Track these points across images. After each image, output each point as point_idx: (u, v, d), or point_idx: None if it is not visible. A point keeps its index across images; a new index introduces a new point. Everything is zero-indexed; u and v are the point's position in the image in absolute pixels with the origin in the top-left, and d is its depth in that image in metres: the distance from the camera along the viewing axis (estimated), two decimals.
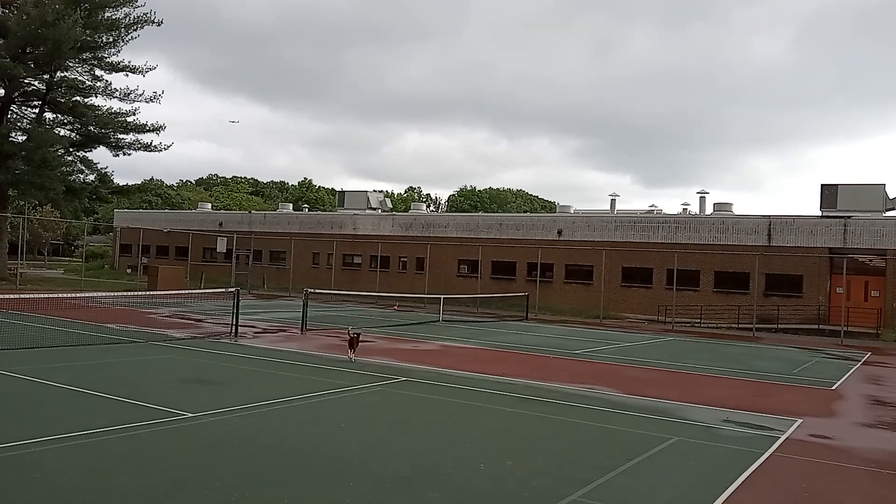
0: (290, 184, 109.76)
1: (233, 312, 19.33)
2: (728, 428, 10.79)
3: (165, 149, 44.79)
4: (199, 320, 23.17)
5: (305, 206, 70.44)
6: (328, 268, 45.62)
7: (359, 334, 16.33)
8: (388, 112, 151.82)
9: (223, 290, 22.15)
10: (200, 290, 23.64)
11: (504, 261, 41.70)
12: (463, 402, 11.71)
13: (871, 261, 34.58)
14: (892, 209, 34.65)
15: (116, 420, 9.02)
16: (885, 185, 34.97)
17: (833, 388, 15.73)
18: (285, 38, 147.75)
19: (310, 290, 23.87)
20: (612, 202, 45.93)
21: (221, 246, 44.49)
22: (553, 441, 9.39)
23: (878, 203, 34.53)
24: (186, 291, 24.92)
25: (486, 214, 50.82)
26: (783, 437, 10.20)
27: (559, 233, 40.86)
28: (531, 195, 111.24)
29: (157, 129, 44.16)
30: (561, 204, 48.76)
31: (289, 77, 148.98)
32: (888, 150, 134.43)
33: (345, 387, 12.35)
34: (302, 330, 20.82)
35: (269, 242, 49.91)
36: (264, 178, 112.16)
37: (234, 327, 19.10)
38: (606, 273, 37.64)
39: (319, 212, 64.77)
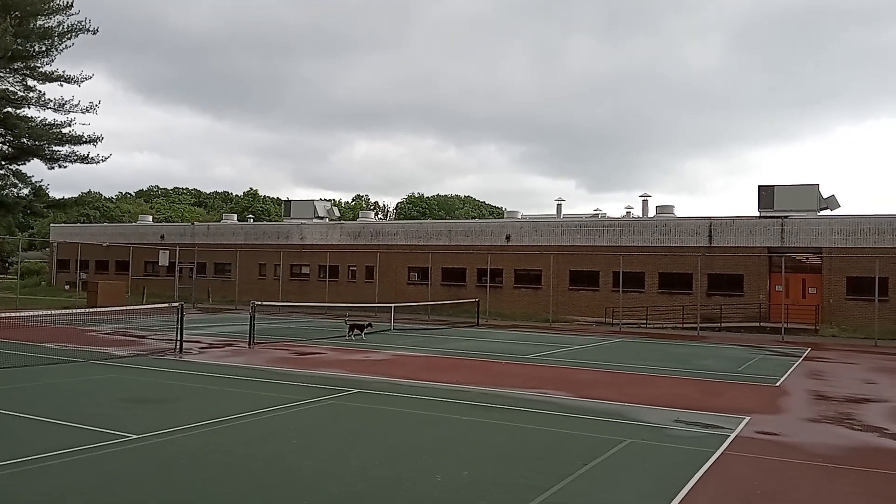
0: (234, 194, 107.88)
1: (177, 328, 18.81)
2: (679, 428, 10.94)
3: (103, 160, 43.49)
4: (142, 337, 22.51)
5: (251, 216, 69.30)
6: (275, 279, 44.92)
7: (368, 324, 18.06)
8: (335, 121, 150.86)
9: (166, 304, 21.51)
10: (143, 306, 22.95)
11: (454, 267, 41.75)
12: (417, 412, 11.61)
13: (807, 259, 35.76)
14: (826, 208, 35.91)
15: (54, 445, 8.63)
16: (819, 185, 36.24)
17: (777, 384, 16.14)
18: (230, 48, 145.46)
19: (257, 302, 23.44)
20: (559, 207, 46.46)
21: (163, 259, 43.37)
22: (508, 448, 9.36)
23: (813, 203, 35.75)
24: (128, 307, 24.14)
25: (435, 221, 50.82)
26: (732, 435, 10.38)
27: (507, 238, 41.12)
28: (479, 201, 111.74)
29: (93, 140, 42.84)
30: (508, 209, 49.10)
31: (234, 86, 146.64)
32: (822, 152, 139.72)
33: (296, 401, 12.11)
34: (249, 344, 20.40)
35: (213, 254, 48.89)
36: (208, 189, 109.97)
37: (178, 343, 18.59)
38: (554, 277, 38.03)
39: (265, 222, 63.81)
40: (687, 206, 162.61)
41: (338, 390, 13.32)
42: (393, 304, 29.17)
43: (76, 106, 42.48)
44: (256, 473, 7.82)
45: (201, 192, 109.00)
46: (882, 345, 27.94)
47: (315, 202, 50.68)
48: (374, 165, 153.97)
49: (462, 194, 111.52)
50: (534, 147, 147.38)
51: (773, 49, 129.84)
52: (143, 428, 9.65)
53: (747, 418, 11.74)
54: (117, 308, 24.03)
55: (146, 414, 10.86)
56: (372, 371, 16.12)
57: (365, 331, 21.09)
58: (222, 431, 9.75)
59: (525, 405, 12.45)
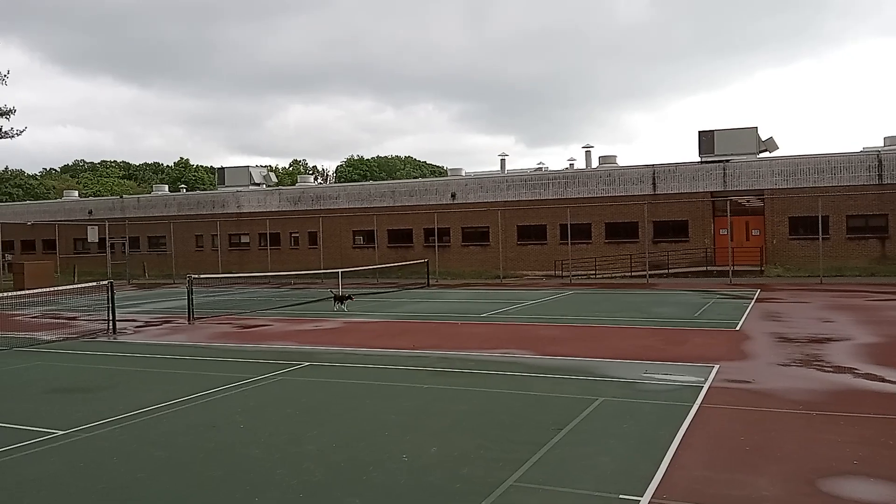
0: (165, 165, 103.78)
1: (108, 306, 17.52)
2: (649, 381, 10.47)
3: (18, 134, 40.93)
4: (73, 318, 21.07)
5: (183, 186, 66.69)
6: (214, 250, 43.21)
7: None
8: (267, 86, 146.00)
9: (94, 283, 20.11)
10: (71, 286, 21.45)
11: (400, 228, 40.84)
12: (374, 384, 10.84)
13: (748, 201, 36.07)
14: (765, 151, 36.13)
15: None
16: (757, 128, 36.37)
17: (737, 328, 15.92)
18: (151, 14, 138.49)
19: (195, 275, 22.17)
20: (503, 162, 45.82)
21: (92, 235, 41.14)
22: (476, 417, 8.69)
23: (753, 145, 35.90)
24: (56, 288, 22.58)
25: (377, 182, 49.56)
26: (706, 387, 9.94)
27: (453, 196, 40.33)
28: (420, 161, 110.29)
29: (5, 113, 40.12)
30: (450, 168, 48.20)
31: (159, 54, 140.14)
32: (749, 97, 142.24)
33: (242, 379, 11.19)
34: (189, 319, 19.24)
35: (146, 228, 46.76)
36: (138, 162, 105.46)
37: (110, 322, 17.34)
38: (502, 233, 37.50)
39: (199, 192, 61.44)
40: (625, 157, 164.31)
41: (287, 365, 12.43)
42: (339, 270, 28.16)
43: None
44: (199, 467, 6.96)
45: (130, 165, 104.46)
46: (827, 282, 28.37)
47: (250, 168, 48.79)
48: (310, 130, 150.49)
49: (402, 155, 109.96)
50: (471, 104, 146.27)
51: (696, 1, 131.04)
52: (69, 422, 8.63)
53: (716, 366, 11.36)
54: (45, 290, 22.44)
55: (74, 406, 9.80)
56: (322, 341, 15.25)
57: (345, 303, 20.71)
58: (160, 420, 8.80)
59: (488, 367, 11.82)
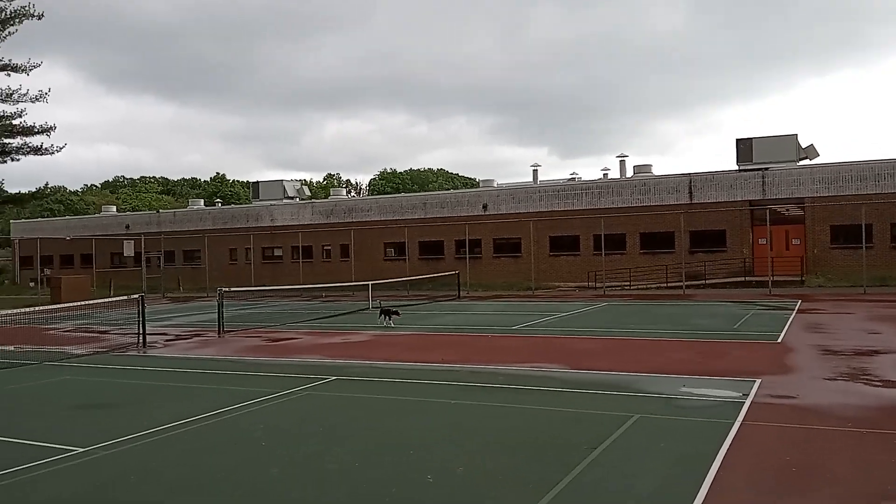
0: (202, 180, 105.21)
1: (138, 320, 17.53)
2: (687, 397, 10.01)
3: (58, 150, 41.82)
4: (105, 332, 21.18)
5: (219, 200, 67.45)
6: (247, 263, 43.50)
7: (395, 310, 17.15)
8: (304, 102, 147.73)
9: (126, 297, 20.19)
10: (101, 300, 21.59)
11: (431, 240, 40.66)
12: (401, 399, 10.55)
13: (787, 210, 35.16)
14: (805, 158, 35.21)
15: None
16: (797, 135, 35.48)
17: (778, 340, 15.31)
18: (191, 34, 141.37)
19: (227, 288, 22.18)
20: (535, 173, 45.42)
21: (128, 249, 41.70)
22: (506, 434, 8.34)
23: (792, 153, 35.02)
24: (88, 302, 22.74)
25: (409, 195, 49.50)
26: (748, 402, 9.46)
27: (484, 207, 40.05)
28: (452, 173, 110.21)
29: (46, 130, 41.09)
30: (481, 179, 47.92)
31: (198, 73, 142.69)
32: (788, 106, 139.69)
33: (267, 395, 10.98)
34: (219, 333, 19.18)
35: (181, 242, 47.28)
36: (176, 177, 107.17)
37: (140, 336, 17.34)
38: (534, 244, 37.07)
39: (233, 205, 62.05)
40: (662, 167, 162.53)
41: (313, 379, 12.21)
42: (370, 282, 28.00)
43: (24, 95, 40.54)
44: (215, 487, 6.72)
45: (169, 181, 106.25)
46: (871, 292, 27.41)
47: (284, 182, 49.11)
48: (345, 144, 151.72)
49: (435, 168, 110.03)
50: (504, 117, 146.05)
51: (735, 9, 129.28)
52: (90, 439, 8.48)
53: (758, 381, 10.84)
54: (78, 303, 22.61)
55: (96, 421, 9.67)
56: (351, 354, 15.02)
57: (392, 318, 19.99)
58: (180, 437, 8.61)
59: (519, 382, 11.45)
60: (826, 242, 32.98)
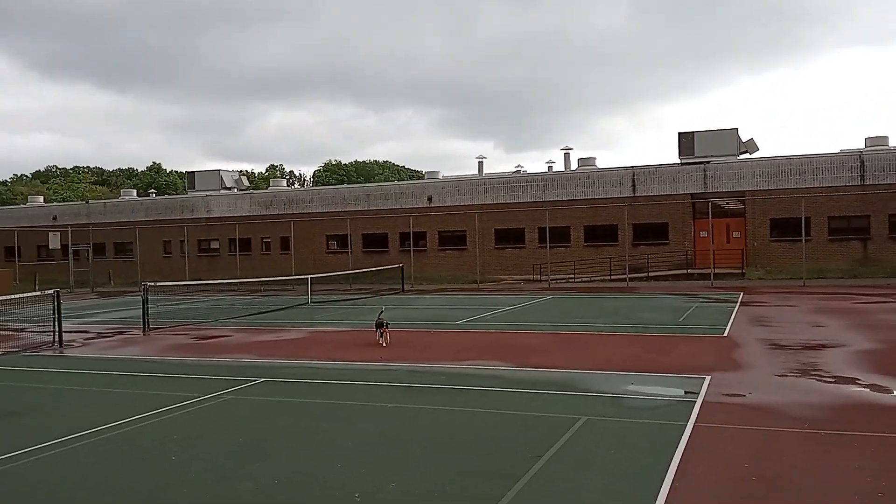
0: (139, 170, 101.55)
1: (54, 318, 16.26)
2: (636, 396, 9.52)
3: None
4: (20, 330, 19.73)
5: (153, 191, 65.05)
6: (182, 256, 41.78)
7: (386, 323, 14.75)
8: (248, 92, 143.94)
9: (39, 292, 18.81)
10: (15, 296, 20.08)
11: (375, 233, 39.76)
12: (333, 403, 9.76)
13: (728, 203, 35.46)
14: (745, 152, 35.52)
15: None
16: (738, 129, 35.75)
17: (725, 334, 15.05)
18: (130, 21, 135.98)
19: (157, 282, 20.97)
20: (480, 164, 44.92)
21: (54, 242, 39.60)
22: (444, 444, 7.67)
23: (733, 147, 35.26)
24: (5, 297, 21.20)
25: (352, 186, 48.38)
26: (699, 402, 8.99)
27: (429, 199, 39.33)
28: (398, 166, 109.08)
29: None
30: (426, 171, 47.19)
31: (139, 61, 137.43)
32: (728, 104, 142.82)
33: (187, 399, 10.05)
34: (144, 330, 18.02)
35: (111, 234, 45.22)
36: (112, 167, 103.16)
37: (56, 335, 16.08)
38: (479, 237, 36.54)
39: (167, 196, 59.82)
40: (606, 162, 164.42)
41: (240, 381, 11.31)
42: (309, 276, 27.00)
43: None
44: None
45: (103, 171, 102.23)
46: (810, 284, 27.74)
47: (221, 172, 47.38)
48: (290, 136, 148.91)
49: (380, 160, 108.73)
50: (451, 110, 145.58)
51: (674, 9, 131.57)
52: None
53: (708, 378, 10.43)
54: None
55: None
56: (283, 353, 14.14)
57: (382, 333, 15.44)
58: (79, 451, 7.66)
59: (461, 382, 10.79)
60: (766, 235, 33.34)
